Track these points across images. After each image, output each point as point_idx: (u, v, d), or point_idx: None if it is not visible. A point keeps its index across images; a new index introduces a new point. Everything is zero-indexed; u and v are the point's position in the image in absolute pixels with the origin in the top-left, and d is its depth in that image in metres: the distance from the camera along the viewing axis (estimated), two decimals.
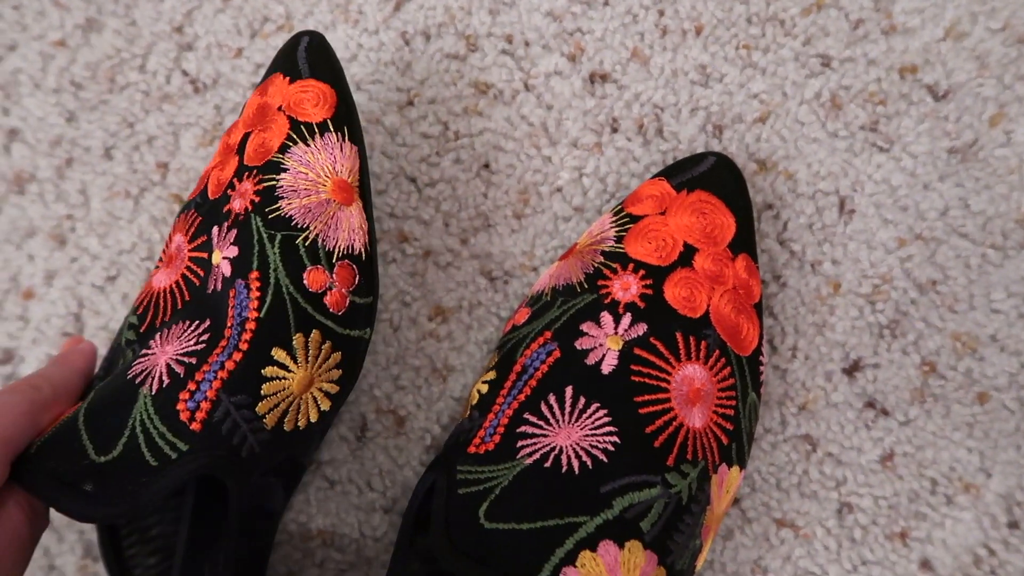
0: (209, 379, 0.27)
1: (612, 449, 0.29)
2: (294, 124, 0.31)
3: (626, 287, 0.32)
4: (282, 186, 0.30)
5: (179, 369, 0.28)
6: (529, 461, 0.29)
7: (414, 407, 0.38)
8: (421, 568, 0.33)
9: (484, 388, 0.33)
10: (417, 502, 0.32)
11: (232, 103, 0.41)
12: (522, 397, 0.31)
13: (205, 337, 0.28)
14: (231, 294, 0.29)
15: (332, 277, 0.30)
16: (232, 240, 0.30)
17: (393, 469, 0.38)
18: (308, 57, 0.33)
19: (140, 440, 0.27)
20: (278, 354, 0.29)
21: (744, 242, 0.34)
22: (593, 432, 0.29)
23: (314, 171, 0.31)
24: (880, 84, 0.39)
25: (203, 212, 0.32)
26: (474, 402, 0.33)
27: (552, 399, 0.30)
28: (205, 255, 0.31)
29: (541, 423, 0.30)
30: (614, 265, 0.33)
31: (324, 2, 0.41)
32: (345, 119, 0.32)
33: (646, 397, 0.30)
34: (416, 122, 0.40)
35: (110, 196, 0.40)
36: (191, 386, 0.27)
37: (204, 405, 0.27)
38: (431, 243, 0.39)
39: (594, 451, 0.29)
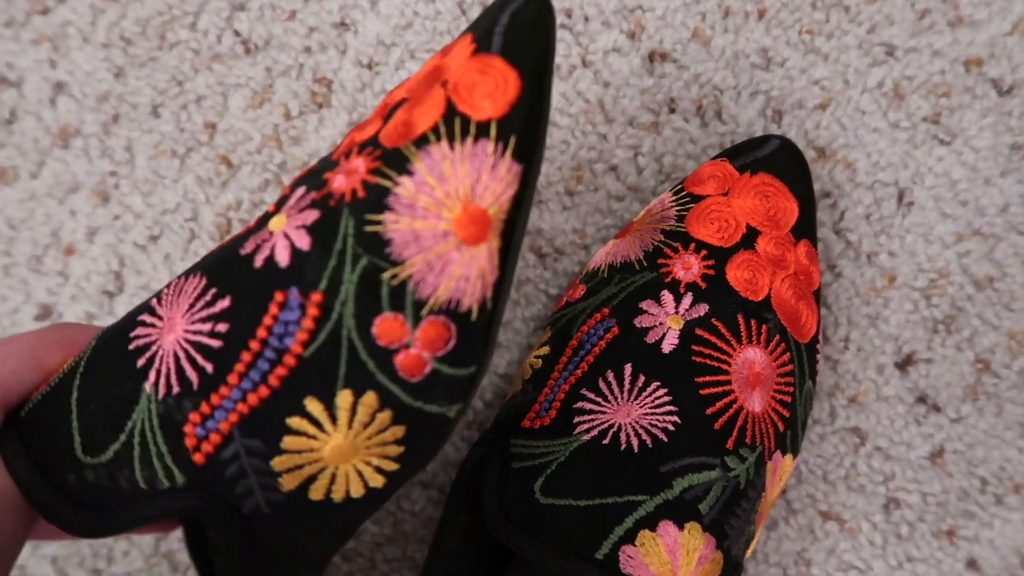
0: (226, 408, 0.22)
1: (672, 429, 0.29)
2: (450, 111, 0.22)
3: (687, 267, 0.32)
4: (397, 194, 0.22)
5: (192, 375, 0.22)
6: (586, 437, 0.29)
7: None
8: (463, 543, 0.32)
9: (537, 363, 0.32)
10: (465, 475, 0.31)
11: (283, 66, 0.40)
12: (579, 373, 0.30)
13: (222, 329, 0.22)
14: (277, 299, 0.22)
15: (413, 334, 0.22)
16: (309, 224, 0.22)
17: None
18: (510, 25, 0.23)
19: (135, 452, 0.23)
20: (313, 406, 0.22)
21: (806, 228, 0.34)
22: (653, 411, 0.29)
23: (444, 188, 0.22)
24: (944, 76, 0.39)
25: (315, 167, 0.25)
26: (526, 376, 0.32)
27: (610, 376, 0.30)
28: (272, 208, 0.24)
29: (599, 400, 0.29)
30: (675, 244, 0.33)
31: None
32: (519, 125, 0.23)
33: (707, 378, 0.29)
34: None
35: (156, 154, 0.40)
36: (204, 408, 0.22)
37: (214, 437, 0.22)
38: None
39: (654, 430, 0.29)
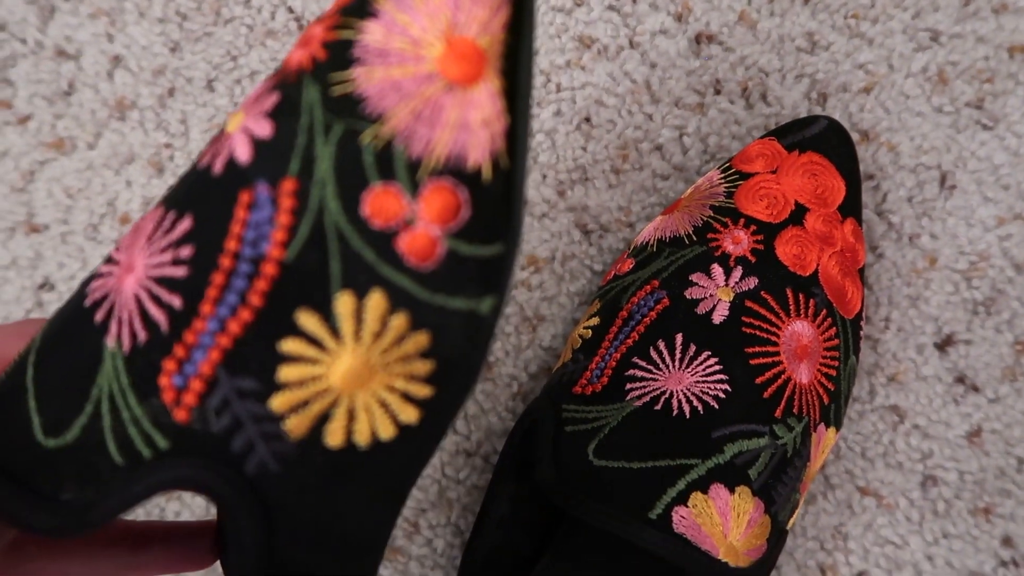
0: (204, 345, 0.18)
1: (723, 396, 0.29)
2: None
3: (737, 241, 0.32)
4: (364, 43, 0.18)
5: (157, 315, 0.18)
6: (638, 403, 0.30)
7: (503, 354, 0.38)
8: (511, 512, 0.33)
9: (587, 333, 0.33)
10: (516, 443, 0.32)
11: None
12: (629, 342, 0.31)
13: (187, 254, 0.18)
14: (243, 200, 0.18)
15: (413, 205, 0.18)
16: (268, 109, 0.18)
17: (478, 414, 0.38)
18: None
19: (105, 423, 0.18)
20: (307, 321, 0.18)
21: (852, 207, 0.34)
22: (704, 379, 0.30)
23: (420, 23, 0.18)
24: (988, 62, 0.39)
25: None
26: (576, 346, 0.33)
27: (662, 345, 0.31)
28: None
29: (651, 367, 0.30)
30: (724, 219, 0.33)
31: None
32: None
33: (756, 349, 0.30)
34: None
35: (210, 127, 0.40)
36: (178, 351, 0.18)
37: (195, 384, 0.18)
38: (527, 193, 0.39)
39: (705, 397, 0.29)
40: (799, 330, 0.31)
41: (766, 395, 0.30)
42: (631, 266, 0.34)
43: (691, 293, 0.31)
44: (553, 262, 0.39)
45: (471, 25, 0.18)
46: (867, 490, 0.37)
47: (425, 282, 0.18)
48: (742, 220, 0.33)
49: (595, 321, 0.33)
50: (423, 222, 0.18)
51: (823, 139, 0.35)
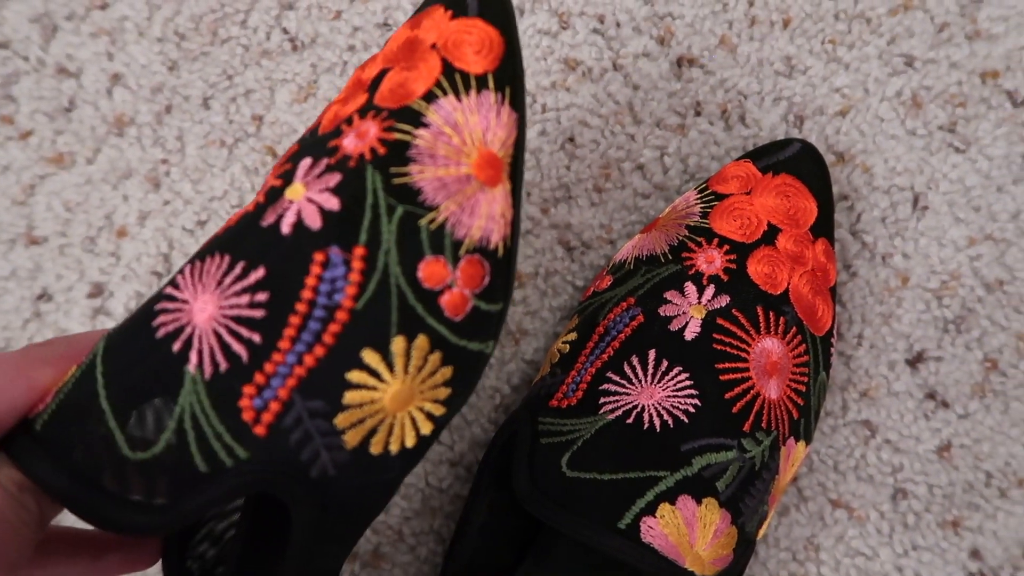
0: (282, 374, 0.22)
1: (693, 411, 0.30)
2: (447, 69, 0.25)
3: (710, 260, 0.33)
4: (418, 145, 0.24)
5: (239, 349, 0.22)
6: (611, 417, 0.31)
7: (486, 367, 0.39)
8: (491, 519, 0.34)
9: (565, 348, 0.34)
10: (495, 452, 0.33)
11: (328, 63, 0.42)
12: (605, 357, 0.32)
13: (262, 299, 0.22)
14: (317, 259, 0.23)
15: (455, 274, 0.24)
16: (332, 186, 0.23)
17: (462, 425, 0.39)
18: None
19: (190, 437, 0.22)
20: (370, 358, 0.23)
21: (824, 227, 0.36)
22: (675, 393, 0.31)
23: (460, 136, 0.24)
24: (961, 87, 0.40)
25: (303, 143, 0.26)
26: (555, 360, 0.34)
27: (635, 360, 0.32)
28: (279, 183, 0.24)
29: (624, 382, 0.31)
30: (699, 239, 0.34)
31: None
32: (510, 77, 0.25)
33: (727, 365, 0.31)
34: None
35: (205, 144, 0.42)
36: (259, 379, 0.22)
37: (273, 406, 0.22)
38: None
39: (675, 411, 0.30)
40: (769, 347, 0.32)
41: (735, 410, 0.31)
42: (609, 283, 0.35)
43: (665, 310, 0.33)
44: (536, 278, 0.40)
45: (495, 142, 0.25)
46: (839, 502, 0.38)
47: (456, 330, 0.24)
48: (716, 240, 0.34)
49: (573, 336, 0.34)
50: (459, 286, 0.24)
51: (797, 161, 0.36)
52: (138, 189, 0.42)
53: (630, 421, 0.30)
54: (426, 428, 0.25)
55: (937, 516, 0.37)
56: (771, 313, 0.33)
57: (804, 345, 0.33)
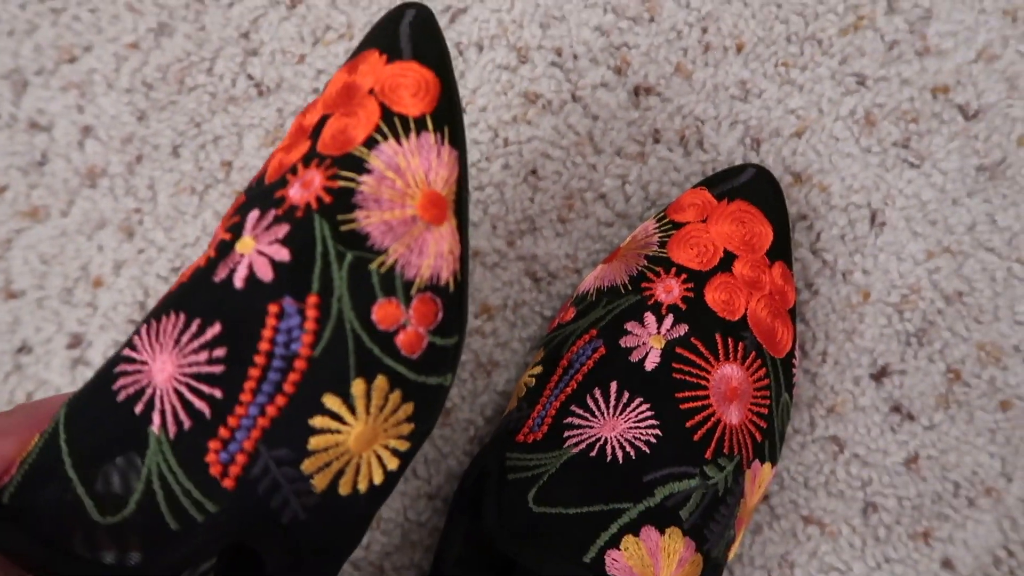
0: (246, 426, 0.23)
1: (654, 441, 0.31)
2: (386, 114, 0.25)
3: (668, 290, 0.34)
4: (362, 192, 0.24)
5: (201, 405, 0.23)
6: (575, 451, 0.31)
7: (459, 399, 0.40)
8: (466, 551, 0.35)
9: (531, 381, 0.35)
10: (468, 484, 0.34)
11: (294, 106, 0.43)
12: (568, 390, 0.33)
13: (220, 354, 0.23)
14: (272, 311, 0.23)
15: (408, 313, 0.24)
16: (281, 238, 0.24)
17: (438, 458, 0.40)
18: (412, 34, 0.27)
19: (159, 497, 0.22)
20: (331, 402, 0.23)
21: (780, 250, 0.36)
22: (637, 424, 0.31)
23: (403, 179, 0.25)
24: (913, 103, 0.41)
25: (250, 195, 0.27)
26: (521, 394, 0.35)
27: (598, 393, 0.32)
28: (229, 236, 0.25)
29: (587, 415, 0.32)
30: (657, 269, 0.35)
31: (383, 13, 0.43)
32: (447, 116, 0.26)
33: (687, 393, 0.32)
34: (467, 129, 0.42)
35: (177, 192, 0.43)
36: (223, 433, 0.23)
37: (240, 459, 0.23)
38: (479, 244, 0.41)
39: (637, 442, 0.31)
40: (728, 373, 0.33)
41: (696, 437, 0.31)
42: (573, 315, 0.36)
43: (625, 341, 0.33)
44: (505, 309, 0.41)
45: (438, 182, 0.26)
46: (811, 519, 0.38)
47: (414, 367, 0.25)
48: (674, 269, 0.35)
49: (539, 370, 0.35)
50: (413, 324, 0.25)
51: (751, 187, 0.37)
52: (112, 239, 0.42)
53: (593, 454, 0.31)
54: (392, 464, 0.25)
55: (907, 528, 0.38)
56: (729, 339, 0.33)
57: (764, 369, 0.34)
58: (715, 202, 0.36)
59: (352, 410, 0.24)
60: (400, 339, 0.24)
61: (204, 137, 0.43)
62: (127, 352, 0.24)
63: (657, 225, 0.37)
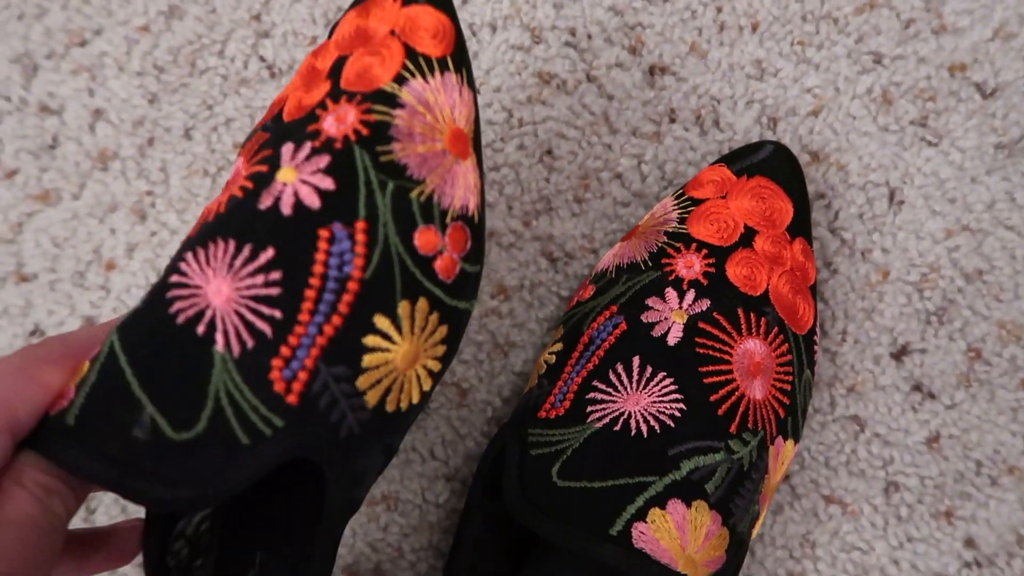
0: (306, 344, 0.24)
1: (679, 415, 0.31)
2: (411, 53, 0.27)
3: (689, 265, 0.34)
4: (397, 125, 0.26)
5: (262, 326, 0.23)
6: (599, 425, 0.31)
7: (476, 380, 0.39)
8: (486, 531, 0.35)
9: (551, 359, 0.34)
10: (487, 465, 0.33)
11: None
12: (590, 366, 0.33)
13: (275, 277, 0.24)
14: (323, 236, 0.24)
15: (444, 240, 0.26)
16: (324, 167, 0.25)
17: (455, 439, 0.39)
18: None
19: (228, 413, 0.23)
20: (381, 322, 0.25)
21: (800, 226, 0.36)
22: (661, 399, 0.31)
23: (432, 114, 0.26)
24: (930, 81, 0.41)
25: (273, 131, 0.27)
26: (542, 371, 0.34)
27: (620, 368, 0.32)
28: (264, 168, 0.25)
29: (610, 390, 0.32)
30: (677, 245, 0.35)
31: None
32: (463, 59, 0.28)
33: (710, 368, 0.32)
34: (482, 109, 0.42)
35: (189, 174, 0.42)
36: (284, 351, 0.24)
37: (302, 375, 0.24)
38: (495, 225, 0.41)
39: (662, 416, 0.31)
40: (751, 348, 0.32)
41: (720, 412, 0.31)
42: (592, 292, 0.36)
43: (647, 317, 0.33)
44: (521, 290, 0.40)
45: (461, 119, 0.27)
46: (832, 498, 0.38)
47: (449, 291, 0.27)
48: (694, 245, 0.35)
49: (559, 347, 0.35)
50: (448, 251, 0.27)
51: (770, 163, 0.36)
52: (124, 222, 0.42)
53: (617, 428, 0.31)
54: (427, 384, 0.27)
55: (930, 507, 0.37)
56: (752, 314, 0.33)
57: (787, 344, 0.33)
58: (734, 178, 0.36)
59: (399, 330, 0.25)
60: (438, 264, 0.26)
61: (216, 119, 0.43)
62: (176, 278, 0.24)
63: (676, 202, 0.37)
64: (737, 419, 0.31)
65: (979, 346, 0.39)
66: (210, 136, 0.43)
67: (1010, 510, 0.37)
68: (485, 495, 0.34)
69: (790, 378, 0.33)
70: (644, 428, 0.30)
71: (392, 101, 0.26)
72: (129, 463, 0.22)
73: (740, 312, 0.33)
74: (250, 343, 0.23)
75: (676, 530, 0.29)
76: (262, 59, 0.43)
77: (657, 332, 0.32)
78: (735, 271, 0.34)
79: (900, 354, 0.39)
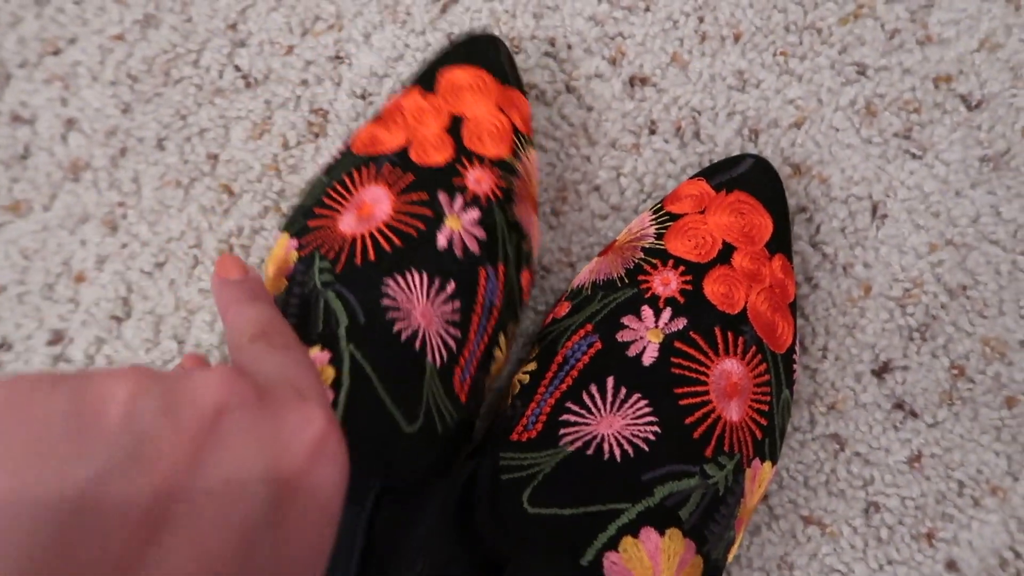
0: (471, 357, 0.31)
1: (653, 438, 0.30)
2: (515, 130, 0.35)
3: (666, 282, 0.33)
4: (517, 191, 0.34)
5: (451, 343, 0.31)
6: (571, 448, 0.30)
7: None
8: (459, 550, 0.34)
9: (525, 378, 0.34)
10: (459, 488, 0.33)
11: (281, 98, 0.42)
12: (564, 387, 0.32)
13: (456, 306, 0.31)
14: (482, 274, 0.32)
15: (530, 279, 0.35)
16: (476, 220, 0.32)
17: None
18: (509, 65, 0.36)
19: (433, 410, 0.30)
20: (501, 339, 0.33)
21: (780, 242, 0.35)
22: (635, 422, 0.30)
23: (530, 182, 0.35)
24: (914, 93, 0.40)
25: (414, 172, 0.33)
26: (515, 392, 0.34)
27: (594, 389, 0.31)
28: (428, 212, 0.32)
29: (583, 412, 0.31)
30: (654, 261, 0.34)
31: (373, 2, 0.42)
32: (532, 137, 0.37)
33: (686, 389, 0.31)
34: None
35: (161, 185, 0.41)
36: (461, 362, 0.31)
37: (468, 379, 0.31)
38: None
39: (635, 440, 0.30)
40: (728, 368, 0.32)
41: (696, 435, 0.30)
42: (567, 310, 0.35)
43: (622, 336, 0.32)
44: None
45: (537, 186, 0.37)
46: (811, 519, 0.37)
47: (522, 312, 0.36)
48: (671, 261, 0.34)
49: (532, 366, 0.34)
50: (528, 285, 0.36)
51: (750, 177, 0.36)
52: (95, 233, 0.41)
53: (590, 452, 0.30)
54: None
55: (911, 528, 0.37)
56: (729, 333, 0.32)
57: (765, 364, 0.33)
58: (713, 193, 0.35)
59: (506, 346, 0.34)
60: (525, 295, 0.35)
61: (190, 130, 0.42)
62: (388, 302, 0.30)
63: (653, 217, 0.36)
64: (713, 442, 0.31)
65: (962, 363, 0.38)
66: (183, 147, 0.42)
67: (993, 532, 0.37)
68: (457, 516, 0.33)
69: (768, 398, 0.33)
70: (617, 452, 0.30)
71: (513, 171, 0.34)
72: (384, 449, 0.28)
73: (717, 331, 0.32)
74: (444, 357, 0.30)
75: (649, 559, 0.28)
76: (237, 69, 0.42)
77: (632, 352, 0.32)
78: (712, 289, 0.33)
79: (882, 371, 0.38)
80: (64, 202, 0.42)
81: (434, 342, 0.30)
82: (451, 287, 0.31)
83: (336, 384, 0.28)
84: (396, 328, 0.30)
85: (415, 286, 0.31)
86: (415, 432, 0.29)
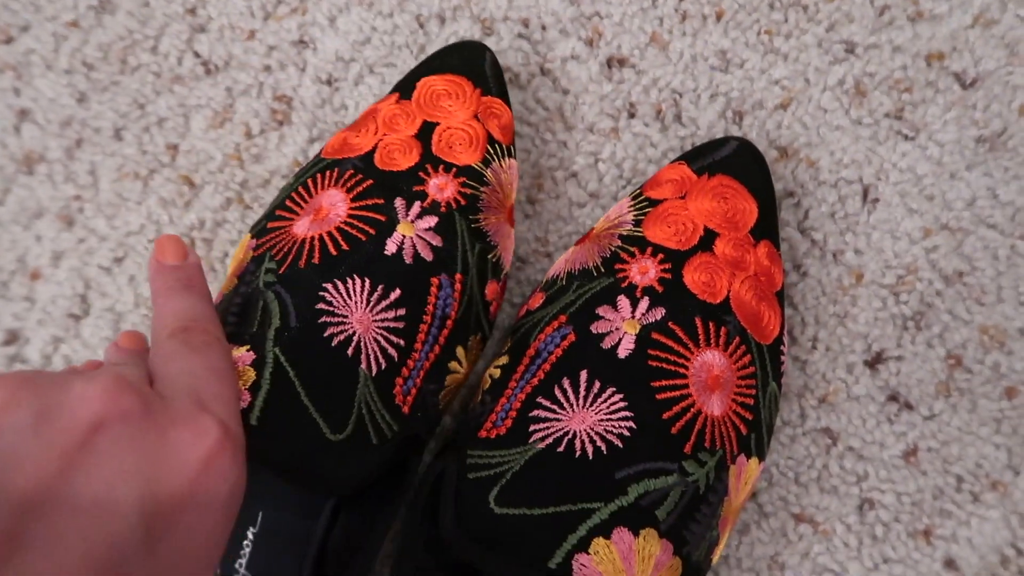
0: (418, 368, 0.30)
1: (628, 435, 0.28)
2: (490, 139, 0.34)
3: (644, 271, 0.31)
4: (483, 199, 0.33)
5: (392, 352, 0.29)
6: (542, 445, 0.28)
7: None
8: (428, 557, 0.32)
9: (496, 373, 0.32)
10: (426, 490, 0.31)
11: (243, 85, 0.40)
12: (535, 381, 0.30)
13: (401, 313, 0.30)
14: (434, 283, 0.30)
15: (498, 290, 0.34)
16: (433, 227, 0.31)
17: None
18: (492, 74, 0.35)
19: (366, 420, 0.28)
20: (459, 352, 0.32)
21: (766, 228, 0.34)
22: (609, 417, 0.29)
23: (503, 192, 0.34)
24: (906, 71, 0.38)
25: (374, 177, 0.32)
26: (486, 387, 0.32)
27: (567, 383, 0.30)
28: (381, 217, 0.31)
29: (555, 407, 0.29)
30: (632, 249, 0.32)
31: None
32: (514, 145, 0.35)
33: (664, 382, 0.29)
34: None
35: (119, 177, 0.40)
36: (404, 372, 0.30)
37: (412, 391, 0.30)
38: None
39: (609, 436, 0.28)
40: (710, 360, 0.30)
41: (674, 430, 0.29)
42: (541, 301, 0.33)
43: (597, 327, 0.30)
44: None
45: (513, 194, 0.35)
46: (802, 517, 0.35)
47: (491, 327, 0.35)
48: (649, 249, 0.32)
49: (504, 360, 0.32)
50: (497, 298, 0.34)
51: (733, 161, 0.34)
52: (50, 228, 0.39)
53: (561, 449, 0.28)
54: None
55: (907, 526, 0.35)
56: (711, 324, 0.31)
57: (749, 356, 0.31)
58: (695, 177, 0.34)
59: (466, 359, 0.32)
60: (492, 308, 0.34)
61: (148, 119, 0.40)
62: (323, 306, 0.29)
63: (632, 203, 0.34)
64: (693, 438, 0.29)
65: (959, 353, 0.36)
66: (142, 137, 0.40)
67: (993, 528, 0.35)
68: (424, 519, 0.31)
69: (753, 392, 0.31)
70: (590, 449, 0.28)
71: (481, 179, 0.33)
72: (304, 457, 0.26)
73: (698, 321, 0.30)
74: (383, 364, 0.29)
75: (621, 561, 0.26)
76: (197, 55, 0.41)
77: (607, 344, 0.30)
78: (693, 277, 0.31)
79: (875, 362, 0.36)
80: (17, 196, 0.40)
81: (371, 349, 0.29)
82: (395, 294, 0.30)
83: (254, 387, 0.26)
84: (327, 332, 0.28)
85: (355, 292, 0.29)
86: (342, 440, 0.27)
